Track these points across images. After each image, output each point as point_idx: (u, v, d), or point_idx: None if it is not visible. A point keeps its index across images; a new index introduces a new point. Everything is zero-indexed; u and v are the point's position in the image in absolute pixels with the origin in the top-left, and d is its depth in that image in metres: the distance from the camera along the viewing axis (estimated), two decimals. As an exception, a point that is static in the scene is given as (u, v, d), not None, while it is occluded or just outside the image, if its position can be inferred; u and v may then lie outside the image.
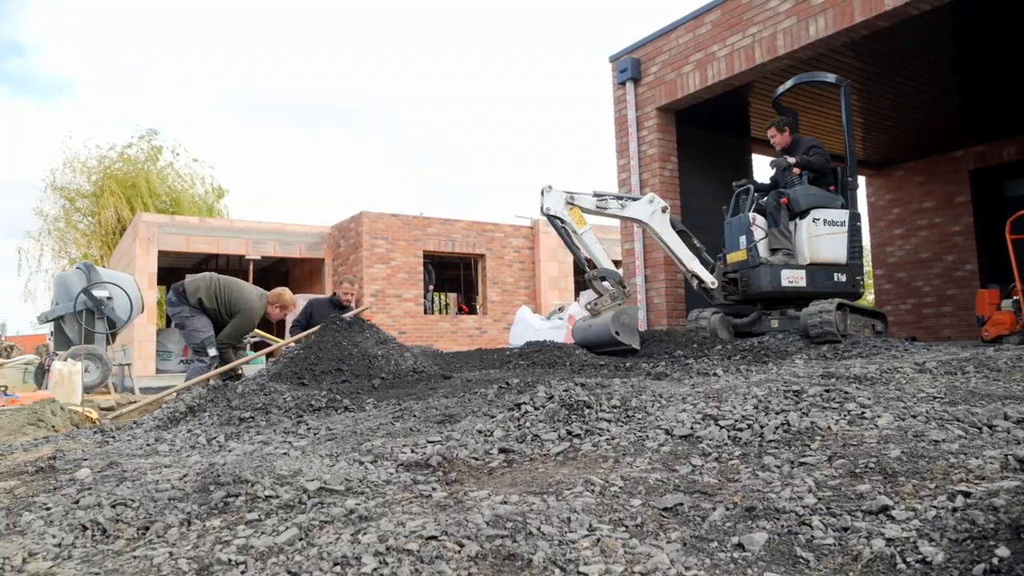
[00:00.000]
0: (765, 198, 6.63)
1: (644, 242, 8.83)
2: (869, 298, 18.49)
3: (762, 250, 6.35)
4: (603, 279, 6.12)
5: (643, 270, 8.82)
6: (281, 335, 10.94)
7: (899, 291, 12.19)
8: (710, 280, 6.50)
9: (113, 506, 1.85)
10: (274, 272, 20.19)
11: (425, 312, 16.47)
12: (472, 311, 18.39)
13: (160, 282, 16.92)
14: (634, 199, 6.57)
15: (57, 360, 7.24)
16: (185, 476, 2.25)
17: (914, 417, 2.05)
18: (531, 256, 17.51)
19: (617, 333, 5.79)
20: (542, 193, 6.12)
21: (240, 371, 6.25)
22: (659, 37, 8.80)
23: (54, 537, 1.69)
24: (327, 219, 16.63)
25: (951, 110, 9.82)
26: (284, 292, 6.77)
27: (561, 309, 12.07)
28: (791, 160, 6.54)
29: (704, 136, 9.44)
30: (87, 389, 7.53)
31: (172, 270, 19.22)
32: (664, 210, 6.48)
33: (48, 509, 1.96)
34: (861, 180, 12.67)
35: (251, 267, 16.75)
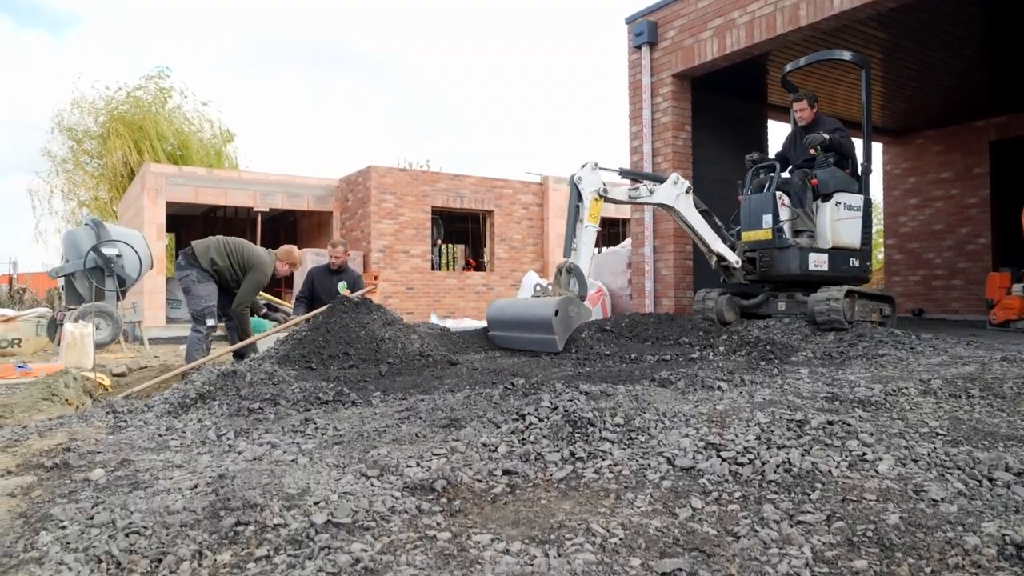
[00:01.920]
0: (789, 176, 6.46)
1: (654, 212, 8.75)
2: (879, 257, 18.43)
3: (787, 231, 6.19)
4: (571, 276, 5.72)
5: (652, 240, 8.76)
6: (289, 292, 11.00)
7: (910, 262, 12.11)
8: (734, 260, 6.35)
9: (127, 535, 1.90)
10: (282, 223, 20.15)
11: (433, 268, 16.49)
12: (480, 266, 18.39)
13: (169, 230, 16.95)
14: (659, 181, 6.37)
15: (68, 321, 7.33)
16: (196, 487, 2.32)
17: (915, 462, 2.07)
18: (540, 213, 17.40)
19: (556, 313, 5.28)
20: (584, 165, 5.89)
21: (255, 346, 6.32)
22: (678, 0, 8.53)
23: (70, 570, 1.75)
24: (334, 175, 16.49)
25: (977, 82, 9.56)
26: (293, 249, 7.06)
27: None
28: (825, 136, 6.31)
29: (719, 102, 9.24)
30: (98, 346, 7.65)
31: (179, 218, 19.24)
32: (688, 191, 6.28)
33: (64, 528, 2.02)
34: (877, 148, 12.45)
35: (259, 219, 16.74)
